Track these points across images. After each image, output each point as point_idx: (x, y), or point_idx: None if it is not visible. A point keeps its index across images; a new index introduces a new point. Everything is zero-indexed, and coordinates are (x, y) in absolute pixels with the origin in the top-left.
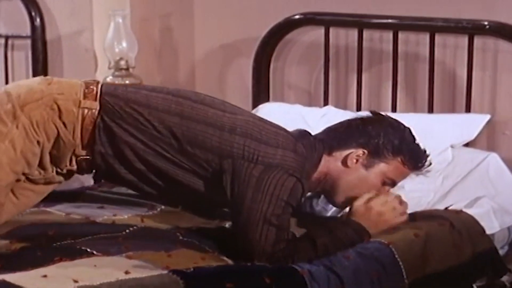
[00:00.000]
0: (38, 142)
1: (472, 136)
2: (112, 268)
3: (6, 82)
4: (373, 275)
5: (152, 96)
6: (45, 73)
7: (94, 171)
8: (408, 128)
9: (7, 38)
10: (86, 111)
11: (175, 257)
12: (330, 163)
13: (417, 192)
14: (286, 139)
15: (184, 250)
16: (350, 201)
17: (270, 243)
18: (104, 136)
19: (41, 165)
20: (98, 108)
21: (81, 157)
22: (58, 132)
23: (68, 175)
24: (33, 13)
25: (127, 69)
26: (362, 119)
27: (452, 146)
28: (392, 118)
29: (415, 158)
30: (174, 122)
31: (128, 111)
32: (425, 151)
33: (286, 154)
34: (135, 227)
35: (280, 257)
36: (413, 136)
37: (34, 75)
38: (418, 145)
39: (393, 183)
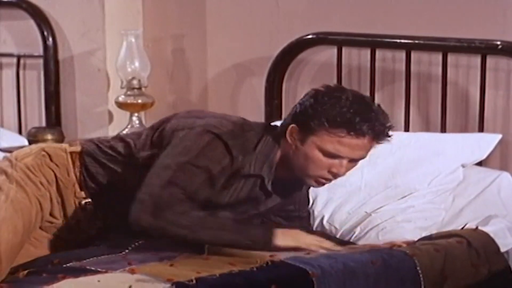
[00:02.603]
0: (41, 183)
1: (483, 156)
2: (116, 283)
3: (18, 102)
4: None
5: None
6: (57, 93)
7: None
8: (364, 97)
9: (19, 57)
10: (73, 154)
11: (178, 267)
12: (285, 144)
13: (427, 212)
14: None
15: (187, 256)
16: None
17: (157, 199)
18: (93, 171)
19: (51, 214)
20: (80, 149)
21: (83, 200)
22: (54, 173)
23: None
24: (45, 33)
25: (139, 88)
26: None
27: (463, 166)
28: (343, 89)
29: (357, 128)
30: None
31: (104, 147)
32: (384, 123)
33: (216, 119)
34: (139, 242)
35: (162, 223)
36: (368, 106)
37: (46, 94)
38: (372, 114)
39: (342, 157)
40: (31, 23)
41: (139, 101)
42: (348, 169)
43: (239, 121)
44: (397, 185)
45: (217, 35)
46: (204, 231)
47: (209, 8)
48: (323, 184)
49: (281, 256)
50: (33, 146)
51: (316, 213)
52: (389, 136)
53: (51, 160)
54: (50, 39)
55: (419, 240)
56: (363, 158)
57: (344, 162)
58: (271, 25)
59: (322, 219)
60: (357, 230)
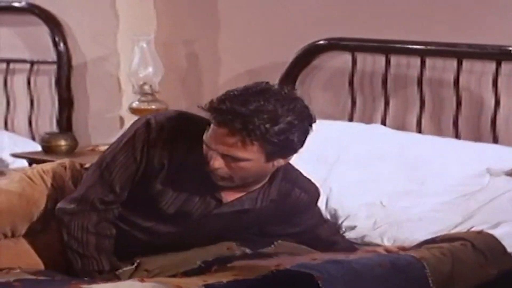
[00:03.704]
0: (51, 184)
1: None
2: None
3: (31, 108)
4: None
5: None
6: (69, 98)
7: None
8: (264, 90)
9: (32, 63)
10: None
11: (184, 278)
12: None
13: (442, 213)
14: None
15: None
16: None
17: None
18: None
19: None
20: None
21: None
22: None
23: None
24: (57, 39)
25: (152, 94)
26: None
27: (490, 173)
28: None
29: (219, 116)
30: None
31: None
32: (268, 122)
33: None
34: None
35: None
36: (253, 98)
37: (59, 100)
38: (249, 108)
39: (212, 148)
40: (44, 28)
41: (153, 106)
42: (229, 168)
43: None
44: (418, 182)
45: (230, 41)
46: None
47: (222, 13)
48: (222, 178)
49: (287, 264)
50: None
51: (331, 203)
52: (279, 141)
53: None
54: (63, 45)
55: (423, 242)
56: (243, 158)
57: (215, 154)
58: (284, 31)
59: (336, 210)
60: (371, 221)
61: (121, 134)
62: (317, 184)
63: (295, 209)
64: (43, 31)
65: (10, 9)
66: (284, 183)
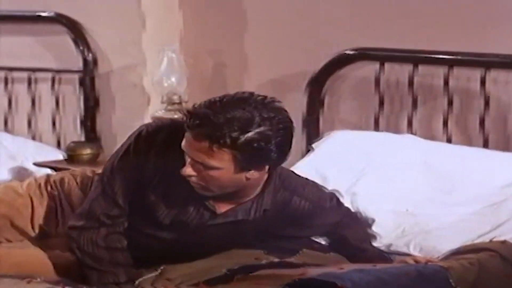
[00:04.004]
0: (50, 194)
1: None
2: None
3: (56, 117)
4: None
5: None
6: (95, 108)
7: None
8: (233, 97)
9: (57, 72)
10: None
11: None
12: None
13: (471, 223)
14: None
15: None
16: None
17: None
18: None
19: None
20: None
21: None
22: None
23: None
24: (83, 48)
25: (179, 103)
26: None
27: None
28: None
29: (190, 120)
30: None
31: None
32: (227, 128)
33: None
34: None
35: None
36: (220, 103)
37: (84, 109)
38: (213, 114)
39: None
40: (69, 38)
41: (176, 116)
42: (201, 176)
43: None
44: (446, 191)
45: (256, 50)
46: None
47: (248, 23)
48: (200, 188)
49: (311, 273)
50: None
51: (359, 207)
52: (252, 151)
53: (76, 183)
54: (88, 54)
55: (450, 254)
56: (212, 166)
57: (188, 161)
58: (311, 40)
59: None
60: (397, 230)
61: (120, 145)
62: (340, 191)
63: (297, 217)
64: (69, 40)
65: (36, 19)
66: (282, 192)
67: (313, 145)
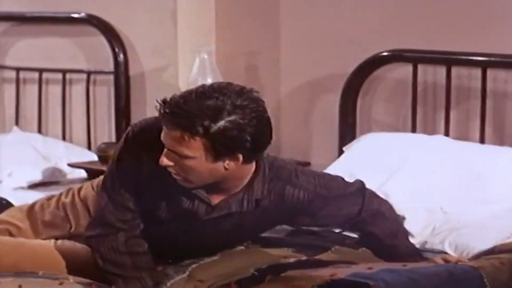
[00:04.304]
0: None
1: None
2: None
3: (88, 118)
4: None
5: None
6: (127, 109)
7: None
8: (203, 87)
9: (89, 73)
10: None
11: None
12: None
13: (502, 219)
14: None
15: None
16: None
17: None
18: None
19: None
20: None
21: None
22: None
23: None
24: (116, 49)
25: None
26: None
27: None
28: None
29: (161, 110)
30: None
31: None
32: (196, 115)
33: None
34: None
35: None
36: (193, 93)
37: (116, 110)
38: (183, 102)
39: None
40: (102, 39)
41: None
42: (178, 166)
43: None
44: (480, 190)
45: (291, 52)
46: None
47: (283, 25)
48: (181, 179)
49: (341, 274)
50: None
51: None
52: (224, 139)
53: (92, 187)
54: (121, 55)
55: (481, 253)
56: (186, 155)
57: (165, 151)
58: (346, 42)
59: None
60: (430, 227)
61: (114, 150)
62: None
63: (294, 207)
64: (101, 41)
65: (69, 20)
66: (275, 182)
67: (345, 148)
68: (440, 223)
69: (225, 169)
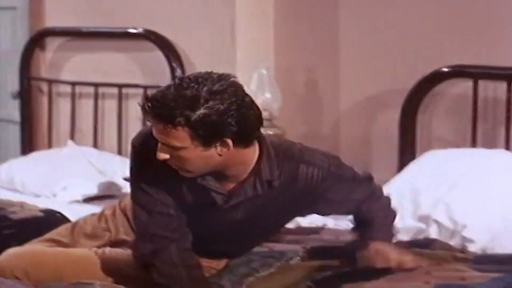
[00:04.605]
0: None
1: None
2: None
3: None
4: None
5: None
6: None
7: None
8: (180, 79)
9: (146, 88)
10: None
11: None
12: None
13: None
14: None
15: None
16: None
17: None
18: None
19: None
20: None
21: None
22: None
23: None
24: (174, 64)
25: (270, 120)
26: None
27: None
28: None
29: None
30: None
31: None
32: (171, 104)
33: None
34: None
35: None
36: (172, 86)
37: None
38: (159, 94)
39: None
40: (159, 54)
41: (270, 132)
42: (174, 158)
43: None
44: None
45: (350, 67)
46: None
47: (342, 40)
48: (183, 171)
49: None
50: None
51: (448, 215)
52: (208, 125)
53: None
54: (179, 70)
55: None
56: (177, 146)
57: (159, 145)
58: (406, 58)
59: (453, 221)
60: (490, 234)
61: (129, 169)
62: (432, 200)
63: (310, 185)
64: (158, 56)
65: (126, 35)
66: (287, 162)
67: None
68: (501, 230)
69: (219, 155)
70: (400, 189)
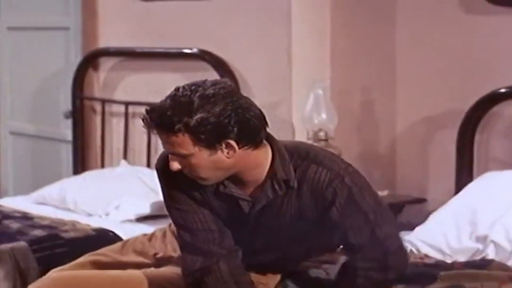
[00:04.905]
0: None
1: None
2: None
3: None
4: None
5: None
6: None
7: None
8: (177, 89)
9: None
10: None
11: None
12: None
13: None
14: None
15: None
16: None
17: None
18: None
19: None
20: None
21: None
22: None
23: None
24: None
25: (326, 140)
26: None
27: None
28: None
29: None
30: None
31: None
32: (168, 113)
33: None
34: None
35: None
36: (168, 97)
37: None
38: (158, 105)
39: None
40: (214, 74)
41: None
42: (185, 167)
43: None
44: None
45: (407, 87)
46: None
47: (398, 60)
48: (198, 179)
49: None
50: None
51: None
52: (208, 129)
53: None
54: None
55: None
56: (184, 154)
57: (169, 156)
58: (463, 78)
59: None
60: None
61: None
62: (490, 221)
63: (318, 186)
64: (211, 77)
65: (180, 56)
66: (300, 162)
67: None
68: None
69: (228, 158)
70: (458, 210)
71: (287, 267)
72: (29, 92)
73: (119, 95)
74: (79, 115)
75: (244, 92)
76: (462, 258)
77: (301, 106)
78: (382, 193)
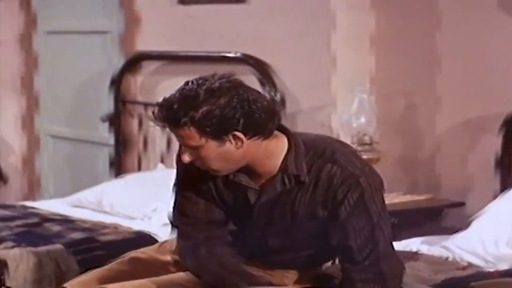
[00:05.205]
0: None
1: None
2: None
3: None
4: None
5: None
6: None
7: None
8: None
9: None
10: None
11: None
12: None
13: None
14: None
15: None
16: None
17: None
18: None
19: None
20: None
21: None
22: None
23: None
24: (267, 88)
25: (370, 144)
26: None
27: None
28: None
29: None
30: None
31: None
32: (173, 108)
33: None
34: None
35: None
36: (176, 92)
37: None
38: (165, 101)
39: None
40: (253, 79)
41: (367, 156)
42: (197, 159)
43: None
44: None
45: (449, 91)
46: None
47: (441, 64)
48: (211, 171)
49: None
50: None
51: None
52: (214, 121)
53: None
54: (276, 94)
55: None
56: (194, 146)
57: (182, 148)
58: (505, 81)
59: None
60: None
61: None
62: None
63: (331, 185)
64: (252, 81)
65: (224, 59)
66: (316, 159)
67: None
68: None
69: (237, 149)
70: (498, 215)
71: (290, 264)
72: (68, 95)
73: (159, 99)
74: (118, 118)
75: (286, 97)
76: (505, 266)
77: (341, 109)
78: (422, 197)
